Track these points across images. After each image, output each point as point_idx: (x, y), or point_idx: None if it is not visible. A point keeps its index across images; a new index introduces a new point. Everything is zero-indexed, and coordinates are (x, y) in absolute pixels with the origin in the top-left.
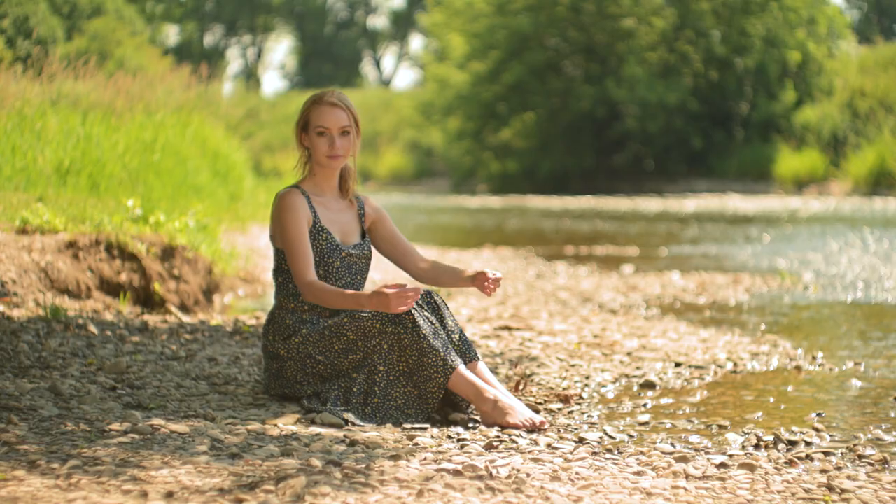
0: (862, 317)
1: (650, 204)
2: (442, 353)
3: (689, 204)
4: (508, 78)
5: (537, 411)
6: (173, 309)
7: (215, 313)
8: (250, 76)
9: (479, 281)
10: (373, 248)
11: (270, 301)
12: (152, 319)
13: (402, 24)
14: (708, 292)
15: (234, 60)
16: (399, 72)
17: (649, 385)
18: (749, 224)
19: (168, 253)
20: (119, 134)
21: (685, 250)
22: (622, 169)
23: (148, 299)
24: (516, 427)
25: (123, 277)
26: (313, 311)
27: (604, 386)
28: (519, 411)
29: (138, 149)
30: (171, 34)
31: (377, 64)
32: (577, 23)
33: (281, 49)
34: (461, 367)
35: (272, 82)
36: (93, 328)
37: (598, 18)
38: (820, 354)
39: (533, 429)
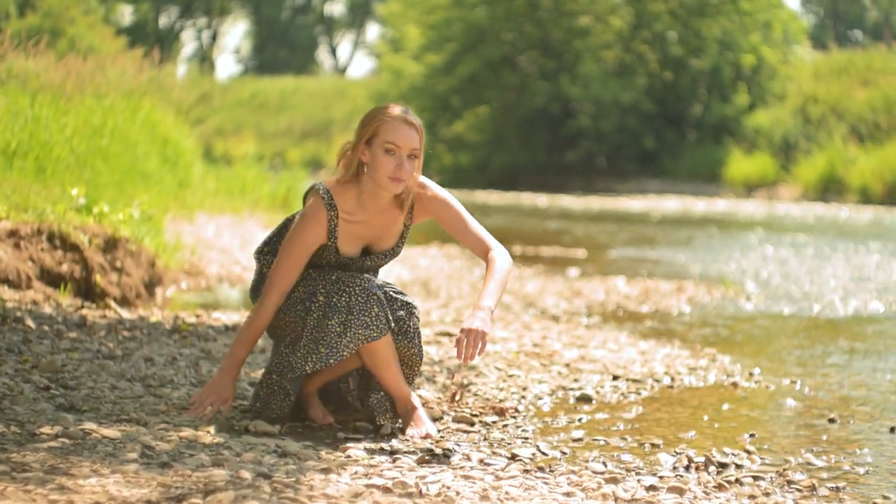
0: (802, 330)
1: (600, 203)
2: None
3: (639, 204)
4: (463, 71)
5: (472, 424)
6: (113, 304)
7: (155, 308)
8: (204, 59)
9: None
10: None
11: (212, 296)
12: (91, 314)
13: (359, 12)
14: (651, 300)
15: (189, 43)
16: (354, 60)
17: (586, 399)
18: (697, 227)
19: (111, 244)
20: (68, 117)
21: (632, 253)
22: (574, 166)
23: (89, 291)
24: (409, 437)
25: (65, 268)
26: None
27: (540, 398)
28: (422, 426)
29: (87, 133)
30: (126, 14)
31: (333, 51)
32: (533, 18)
33: (236, 32)
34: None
35: (226, 66)
36: (30, 322)
37: (555, 15)
38: (757, 371)
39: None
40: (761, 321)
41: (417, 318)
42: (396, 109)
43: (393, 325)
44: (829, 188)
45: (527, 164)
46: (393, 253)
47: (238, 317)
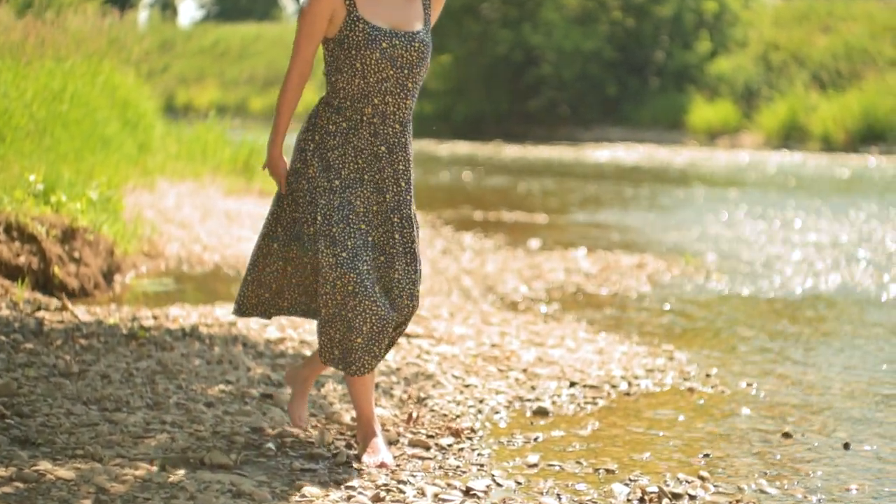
0: (761, 316)
1: (563, 153)
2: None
3: (602, 155)
4: None
5: (428, 448)
6: (70, 306)
7: (113, 305)
8: (166, 5)
9: None
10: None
11: (171, 283)
12: (48, 318)
13: None
14: (611, 280)
15: None
16: None
17: (542, 412)
18: (659, 182)
19: (69, 235)
20: (27, 82)
21: (593, 218)
22: (537, 114)
23: (47, 283)
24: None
25: (22, 260)
26: (342, 119)
27: (497, 412)
28: (378, 454)
29: (46, 98)
30: None
31: None
32: None
33: None
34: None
35: (189, 11)
36: None
37: None
38: (714, 371)
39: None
40: (720, 305)
41: None
42: None
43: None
44: (791, 135)
45: (490, 112)
46: (423, 42)
47: (196, 315)
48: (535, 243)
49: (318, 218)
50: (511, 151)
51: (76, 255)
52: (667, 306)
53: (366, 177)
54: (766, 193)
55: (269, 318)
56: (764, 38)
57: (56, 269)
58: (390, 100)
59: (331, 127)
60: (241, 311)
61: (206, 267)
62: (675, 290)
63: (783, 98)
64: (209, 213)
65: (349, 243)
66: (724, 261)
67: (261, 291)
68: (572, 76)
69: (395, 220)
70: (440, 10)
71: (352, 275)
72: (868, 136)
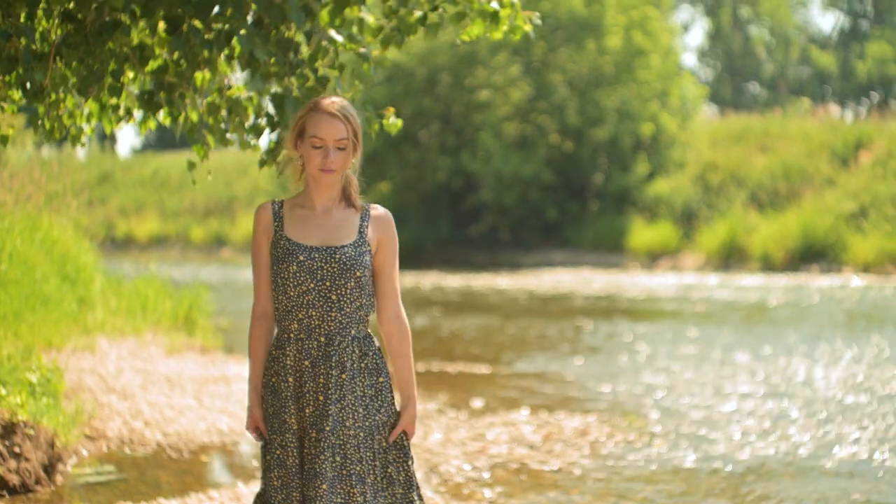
0: (703, 495)
1: (502, 283)
2: None
3: (541, 282)
4: (364, 148)
5: None
6: None
7: None
8: (105, 136)
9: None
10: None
11: (113, 469)
12: None
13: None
14: (554, 452)
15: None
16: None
17: None
18: (598, 316)
19: (9, 430)
20: None
21: (533, 366)
22: (478, 240)
23: None
24: None
25: None
26: (277, 341)
27: None
28: None
29: None
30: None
31: None
32: (433, 94)
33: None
34: None
35: (128, 139)
36: None
37: (454, 90)
38: None
39: None
40: (664, 481)
41: None
42: (323, 101)
43: None
44: (731, 255)
45: (430, 239)
46: (348, 255)
47: None
48: (478, 402)
49: (268, 438)
50: (451, 281)
51: (16, 450)
52: (610, 487)
53: (296, 392)
54: (705, 326)
55: None
56: (702, 159)
57: None
58: (314, 313)
59: (274, 351)
60: None
61: (147, 448)
62: (620, 463)
63: (722, 218)
64: (151, 379)
65: (289, 462)
66: (668, 420)
67: None
68: (512, 201)
69: (313, 434)
70: (390, 232)
71: (295, 493)
72: (807, 255)
